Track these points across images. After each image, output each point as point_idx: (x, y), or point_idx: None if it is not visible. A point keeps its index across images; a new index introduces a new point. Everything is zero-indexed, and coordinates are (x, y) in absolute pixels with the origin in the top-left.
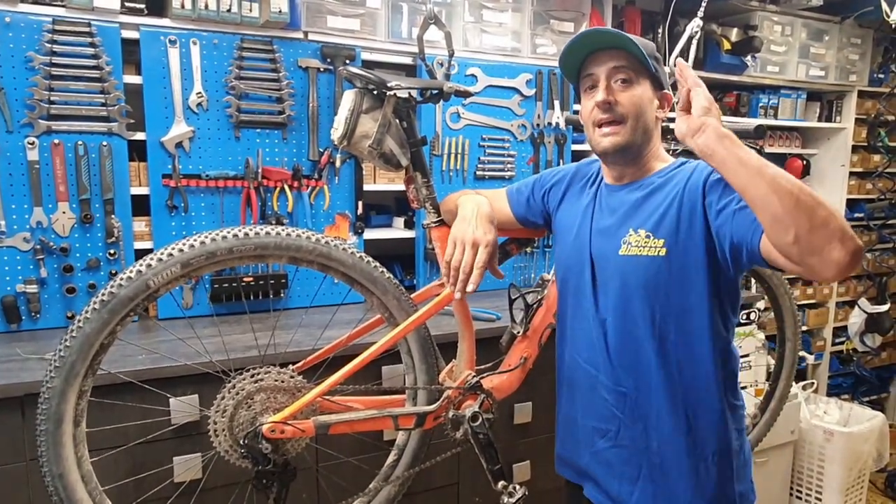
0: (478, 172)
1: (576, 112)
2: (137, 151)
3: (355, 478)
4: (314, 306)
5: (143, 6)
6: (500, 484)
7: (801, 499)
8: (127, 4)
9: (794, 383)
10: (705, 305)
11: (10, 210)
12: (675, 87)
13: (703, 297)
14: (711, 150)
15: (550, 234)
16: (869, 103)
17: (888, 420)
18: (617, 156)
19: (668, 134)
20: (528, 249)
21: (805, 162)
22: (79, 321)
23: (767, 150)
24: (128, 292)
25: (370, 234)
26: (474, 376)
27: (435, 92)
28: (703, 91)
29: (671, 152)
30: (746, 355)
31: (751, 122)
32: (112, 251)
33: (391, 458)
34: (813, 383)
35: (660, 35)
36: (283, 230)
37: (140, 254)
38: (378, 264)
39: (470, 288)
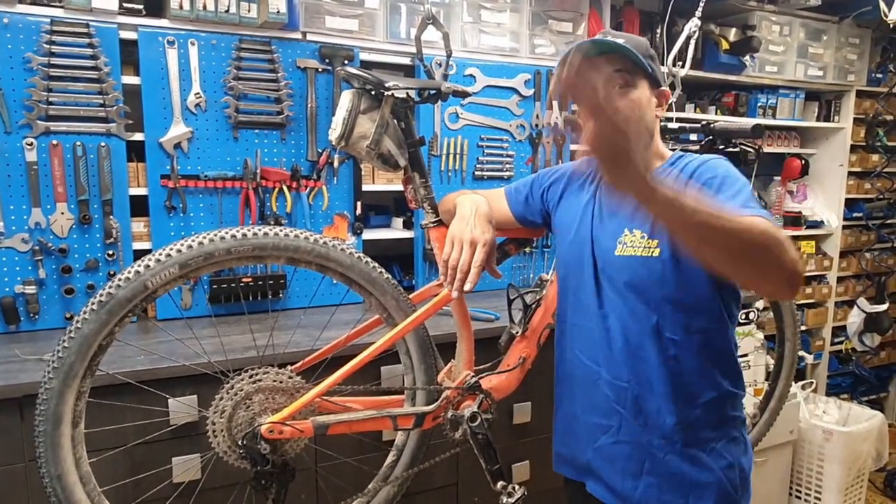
0: (476, 173)
1: (574, 111)
2: (136, 152)
3: (354, 478)
4: (313, 307)
5: (141, 7)
6: (500, 484)
7: (800, 498)
8: (125, 5)
9: (793, 383)
10: (705, 303)
11: (8, 211)
12: (673, 86)
13: (702, 294)
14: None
15: (549, 233)
16: (867, 103)
17: (887, 419)
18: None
19: (666, 134)
20: (527, 249)
21: (803, 161)
22: (77, 322)
23: (766, 149)
24: (126, 293)
25: (369, 234)
26: (473, 376)
27: (433, 92)
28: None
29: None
30: (745, 355)
31: (748, 122)
32: (111, 252)
33: (390, 458)
34: (812, 383)
35: (658, 35)
36: (280, 231)
37: (139, 254)
38: (376, 265)
39: (467, 287)
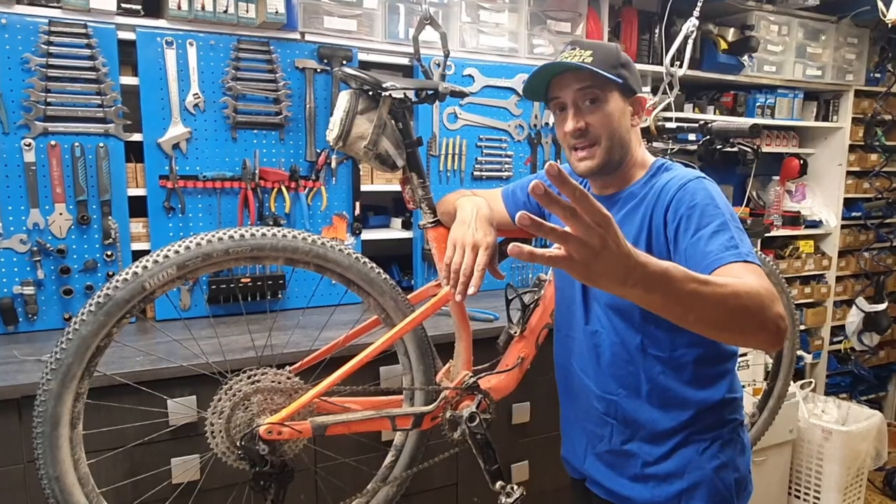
0: (475, 173)
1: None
2: (134, 153)
3: (353, 478)
4: (311, 307)
5: (139, 7)
6: (498, 484)
7: (799, 497)
8: (123, 6)
9: (792, 382)
10: None
11: (6, 212)
12: (671, 86)
13: None
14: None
15: None
16: (865, 102)
17: (886, 419)
18: (595, 175)
19: (664, 133)
20: None
21: (802, 161)
22: (75, 323)
23: (765, 149)
24: (124, 294)
25: (368, 234)
26: (471, 377)
27: (430, 92)
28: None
29: (668, 152)
30: (744, 354)
31: (746, 122)
32: (109, 253)
33: (389, 458)
34: (811, 382)
35: (656, 35)
36: (279, 231)
37: (137, 255)
38: (374, 265)
39: (471, 291)
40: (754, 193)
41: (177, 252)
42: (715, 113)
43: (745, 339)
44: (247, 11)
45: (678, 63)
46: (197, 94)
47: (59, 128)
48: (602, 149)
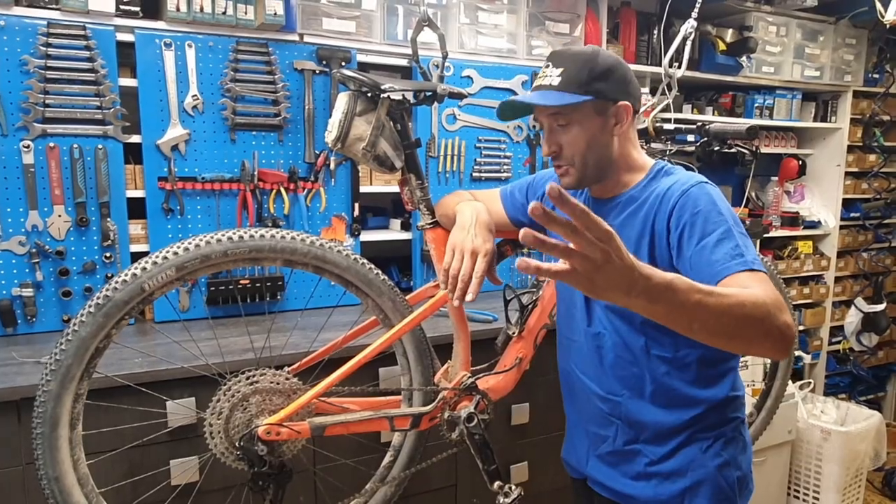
0: (474, 174)
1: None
2: (133, 154)
3: (352, 479)
4: (310, 308)
5: (137, 9)
6: (496, 484)
7: (798, 498)
8: (122, 7)
9: (791, 383)
10: None
11: (5, 213)
12: (669, 87)
13: None
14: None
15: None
16: (864, 103)
17: (885, 419)
18: (577, 189)
19: (662, 134)
20: (525, 250)
21: (801, 162)
22: (74, 325)
23: (763, 150)
24: (123, 296)
25: (367, 235)
26: (470, 377)
27: (428, 94)
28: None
29: (666, 153)
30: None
31: (744, 123)
32: (108, 254)
33: (387, 458)
34: (810, 383)
35: (655, 36)
36: (277, 233)
37: (136, 257)
38: (373, 266)
39: (469, 297)
40: (753, 194)
41: (176, 254)
42: (714, 114)
43: (750, 348)
44: (245, 13)
45: (677, 64)
46: (196, 95)
47: (58, 129)
48: (576, 168)
